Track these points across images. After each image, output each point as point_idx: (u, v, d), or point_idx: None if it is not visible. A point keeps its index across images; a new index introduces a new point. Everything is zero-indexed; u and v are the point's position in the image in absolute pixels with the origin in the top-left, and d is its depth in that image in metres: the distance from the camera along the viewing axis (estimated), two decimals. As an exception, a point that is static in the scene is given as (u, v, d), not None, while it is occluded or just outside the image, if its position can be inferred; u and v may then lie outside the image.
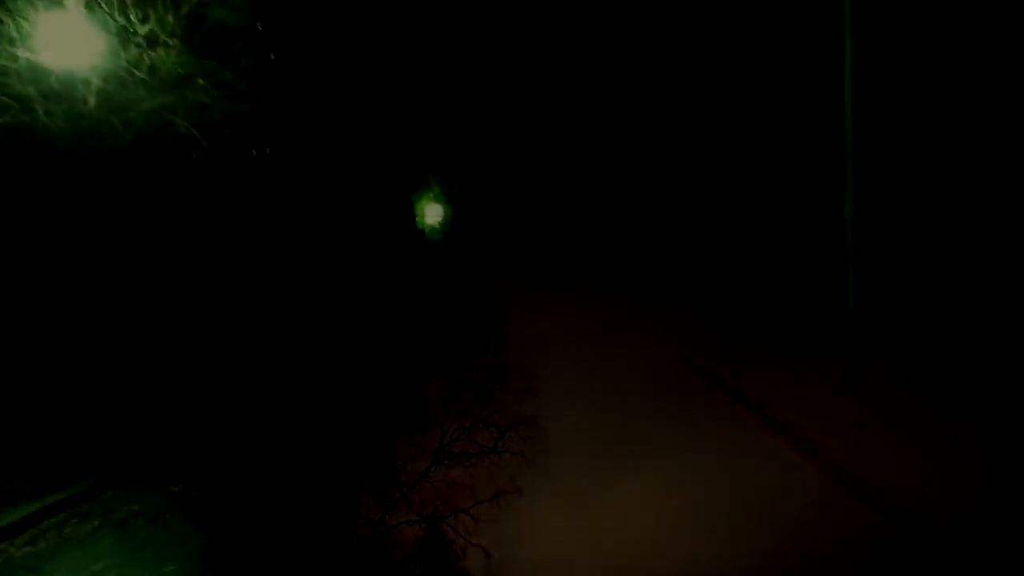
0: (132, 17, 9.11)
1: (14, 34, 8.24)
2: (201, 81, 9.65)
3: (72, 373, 9.38)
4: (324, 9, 12.74)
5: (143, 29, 9.23)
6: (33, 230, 10.15)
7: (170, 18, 9.39)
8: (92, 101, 9.42)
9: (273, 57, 10.01)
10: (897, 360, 10.52)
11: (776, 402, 9.74)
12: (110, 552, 5.29)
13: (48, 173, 10.21)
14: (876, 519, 6.12)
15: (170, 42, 9.42)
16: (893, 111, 13.16)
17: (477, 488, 7.24)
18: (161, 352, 10.19)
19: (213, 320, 11.29)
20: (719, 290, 18.64)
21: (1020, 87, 11.21)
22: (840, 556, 5.43)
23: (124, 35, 9.16)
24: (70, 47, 8.54)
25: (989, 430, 7.87)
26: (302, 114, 10.61)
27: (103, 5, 8.76)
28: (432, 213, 32.06)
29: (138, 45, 9.20)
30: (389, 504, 6.57)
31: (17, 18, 8.17)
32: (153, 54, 9.37)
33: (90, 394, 9.45)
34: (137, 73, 9.50)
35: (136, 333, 10.24)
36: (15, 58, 8.38)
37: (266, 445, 7.99)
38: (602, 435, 9.04)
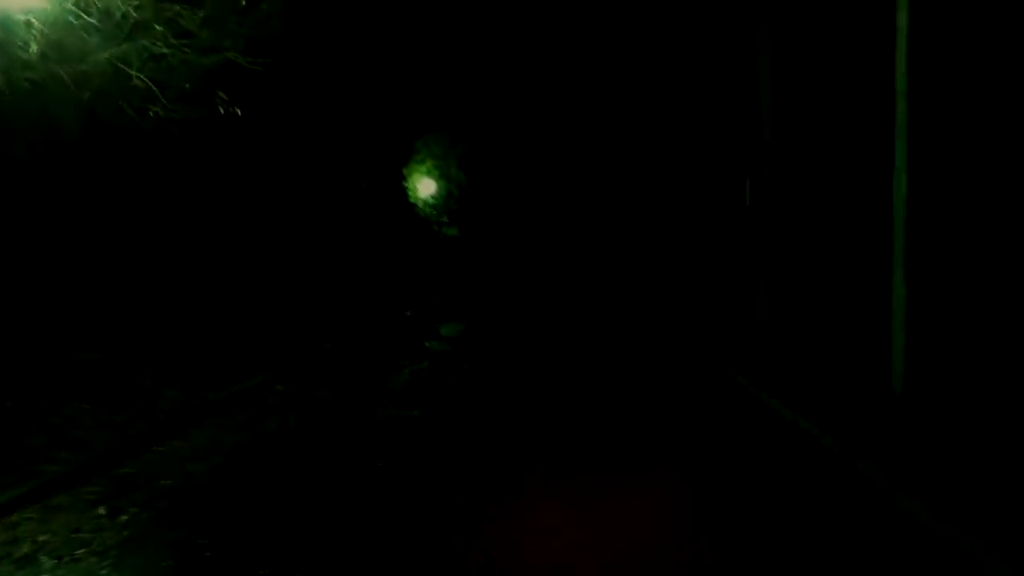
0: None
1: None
2: (160, 28, 8.45)
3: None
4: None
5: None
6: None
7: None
8: (34, 48, 8.25)
9: (244, 2, 8.79)
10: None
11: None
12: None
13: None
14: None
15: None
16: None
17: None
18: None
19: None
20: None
21: None
22: None
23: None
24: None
25: None
26: (278, 71, 9.38)
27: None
28: (425, 187, 31.03)
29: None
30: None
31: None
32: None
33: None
34: (86, 17, 8.31)
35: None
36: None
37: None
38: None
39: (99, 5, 8.31)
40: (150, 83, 8.66)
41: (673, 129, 21.69)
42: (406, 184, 31.11)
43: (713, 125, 16.68)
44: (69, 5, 8.21)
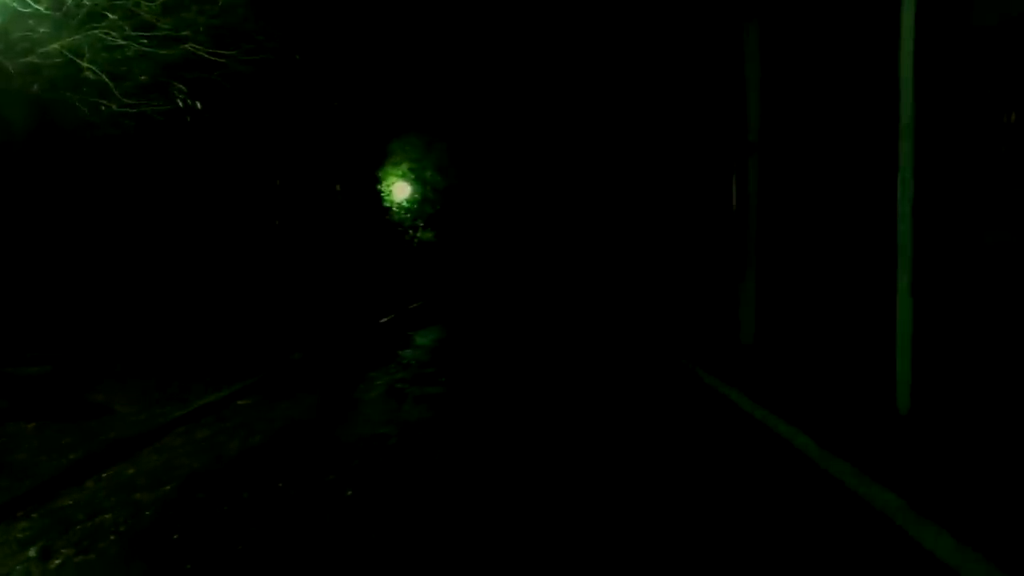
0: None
1: None
2: (114, 17, 7.83)
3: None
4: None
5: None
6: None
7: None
8: (-25, 36, 7.61)
9: (207, -11, 8.19)
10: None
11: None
12: None
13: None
14: None
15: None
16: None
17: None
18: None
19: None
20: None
21: None
22: None
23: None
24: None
25: None
26: (244, 64, 8.79)
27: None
28: (400, 190, 30.37)
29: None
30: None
31: None
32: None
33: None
34: (34, 5, 7.67)
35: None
36: None
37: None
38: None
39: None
40: (104, 76, 8.04)
41: (658, 128, 21.36)
42: (380, 187, 30.44)
43: (700, 123, 16.32)
44: (15, -10, 7.62)
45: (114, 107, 8.53)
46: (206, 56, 8.79)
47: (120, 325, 12.52)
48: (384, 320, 18.71)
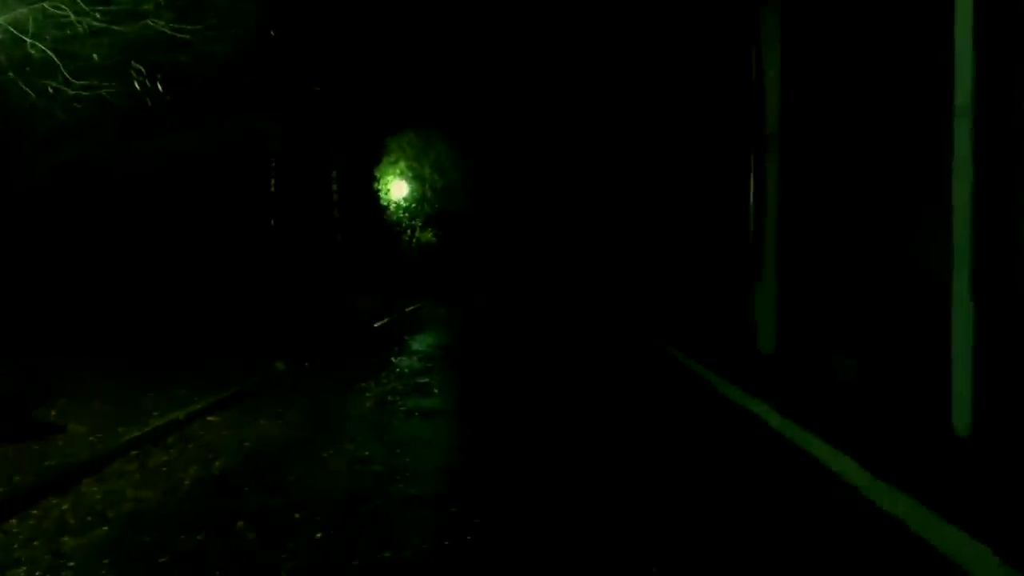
0: None
1: None
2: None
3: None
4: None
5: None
6: None
7: None
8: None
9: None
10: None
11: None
12: None
13: None
14: None
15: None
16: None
17: None
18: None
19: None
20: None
21: None
22: None
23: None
24: None
25: None
26: (214, 43, 7.89)
27: None
28: (397, 189, 29.51)
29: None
30: None
31: None
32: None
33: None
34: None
35: None
36: None
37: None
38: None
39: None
40: (52, 54, 7.14)
41: (669, 119, 20.43)
42: (377, 186, 29.56)
43: (713, 115, 15.42)
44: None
45: (69, 92, 7.64)
46: (168, 32, 7.89)
47: (92, 329, 11.66)
48: (379, 324, 17.81)
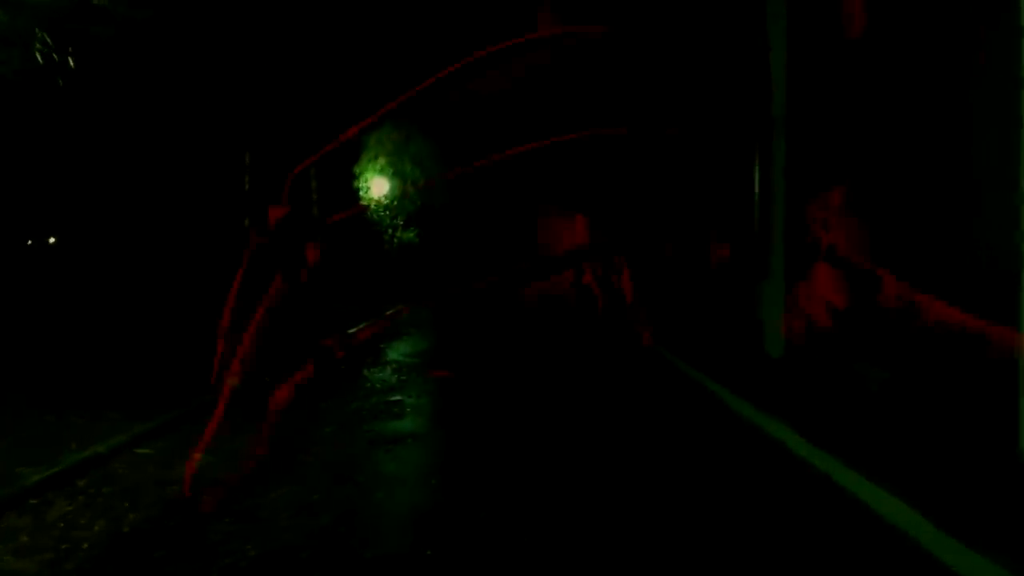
0: None
1: None
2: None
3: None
4: None
5: None
6: None
7: None
8: None
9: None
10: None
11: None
12: None
13: None
14: None
15: None
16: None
17: None
18: None
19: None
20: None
21: None
22: None
23: None
24: None
25: None
26: (135, 8, 6.70)
27: None
28: (377, 187, 28.31)
29: None
30: None
31: None
32: None
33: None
34: None
35: None
36: None
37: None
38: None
39: None
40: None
41: (659, 101, 19.26)
42: (357, 184, 28.33)
43: (711, 97, 14.31)
44: None
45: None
46: (95, 2, 6.71)
47: (24, 343, 10.46)
48: (354, 330, 16.61)
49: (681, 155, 17.24)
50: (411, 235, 31.00)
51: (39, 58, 6.35)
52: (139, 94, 9.45)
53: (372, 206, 28.17)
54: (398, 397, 9.33)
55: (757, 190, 10.97)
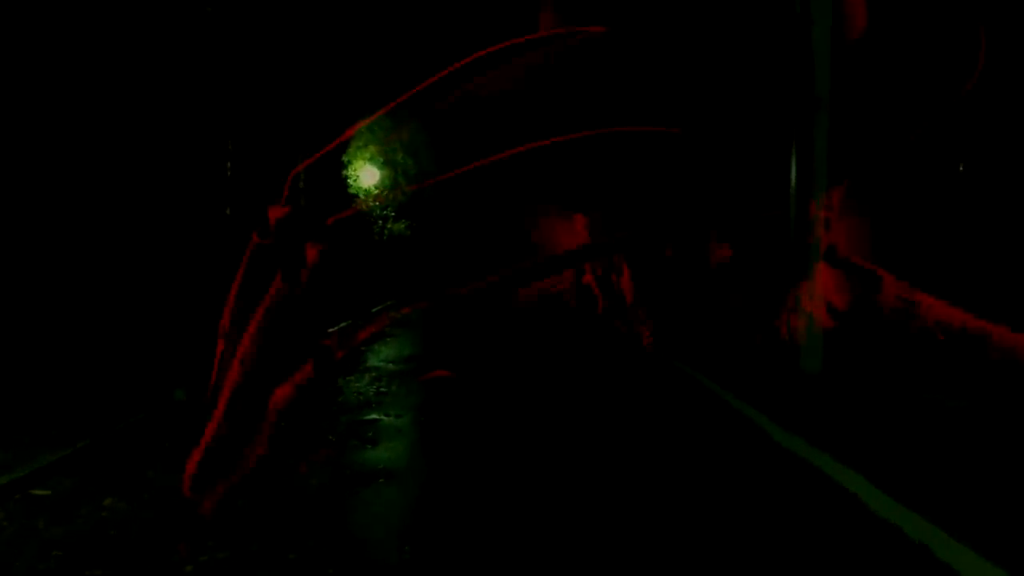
0: None
1: None
2: None
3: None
4: None
5: None
6: None
7: None
8: None
9: None
10: None
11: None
12: None
13: None
14: None
15: None
16: None
17: None
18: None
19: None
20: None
21: None
22: None
23: None
24: None
25: None
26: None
27: None
28: (367, 177, 26.94)
29: None
30: None
31: None
32: None
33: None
34: None
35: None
36: None
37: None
38: None
39: None
40: None
41: (687, 81, 17.78)
42: (346, 174, 26.92)
43: (744, 77, 12.92)
44: None
45: None
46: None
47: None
48: (335, 330, 15.20)
49: (683, 155, 16.02)
50: (402, 227, 29.71)
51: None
52: (94, 69, 8.05)
53: (362, 197, 26.82)
54: (375, 416, 7.89)
55: (793, 182, 9.57)
